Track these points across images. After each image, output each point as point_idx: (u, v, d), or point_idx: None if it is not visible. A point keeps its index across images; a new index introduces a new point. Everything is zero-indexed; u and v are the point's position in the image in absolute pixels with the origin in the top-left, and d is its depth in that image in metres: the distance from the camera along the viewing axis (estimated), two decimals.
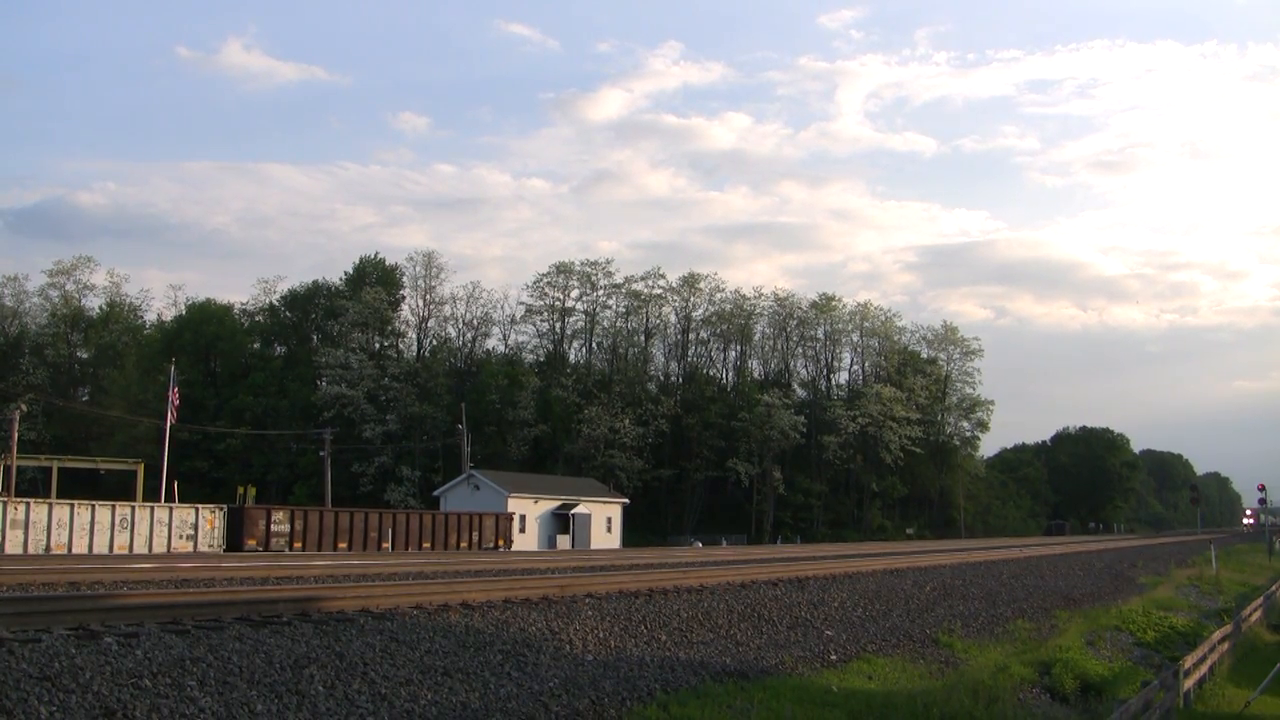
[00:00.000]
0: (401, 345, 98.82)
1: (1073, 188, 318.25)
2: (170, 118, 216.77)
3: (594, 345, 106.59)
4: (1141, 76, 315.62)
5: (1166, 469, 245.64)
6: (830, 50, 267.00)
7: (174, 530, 41.54)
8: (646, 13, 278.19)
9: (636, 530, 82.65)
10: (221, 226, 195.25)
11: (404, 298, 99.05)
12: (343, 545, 46.67)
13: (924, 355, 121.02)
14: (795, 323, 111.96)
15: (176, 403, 56.09)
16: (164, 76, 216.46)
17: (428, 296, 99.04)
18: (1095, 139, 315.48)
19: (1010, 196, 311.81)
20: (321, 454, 67.63)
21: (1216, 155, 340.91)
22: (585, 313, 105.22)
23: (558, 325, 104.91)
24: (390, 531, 49.74)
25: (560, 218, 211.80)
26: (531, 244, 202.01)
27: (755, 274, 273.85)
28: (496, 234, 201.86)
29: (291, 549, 44.28)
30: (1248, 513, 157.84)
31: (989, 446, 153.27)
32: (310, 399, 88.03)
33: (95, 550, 38.11)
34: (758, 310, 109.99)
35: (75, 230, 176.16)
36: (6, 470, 49.45)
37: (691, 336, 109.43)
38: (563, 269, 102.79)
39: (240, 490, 59.75)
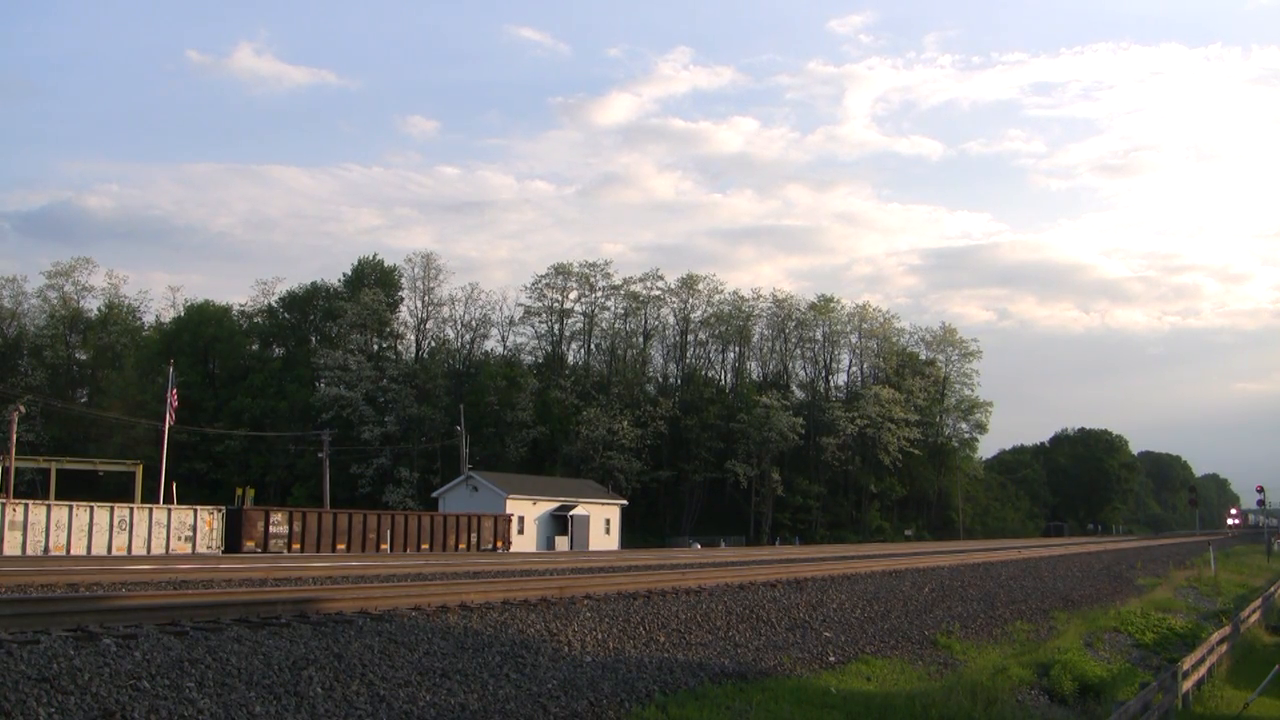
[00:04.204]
0: (400, 347, 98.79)
1: (1076, 190, 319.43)
2: (176, 120, 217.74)
3: (592, 347, 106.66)
4: (1146, 79, 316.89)
5: (1165, 470, 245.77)
6: (839, 54, 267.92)
7: (172, 532, 41.53)
8: (657, 18, 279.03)
9: (635, 531, 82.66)
10: (226, 229, 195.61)
11: (402, 299, 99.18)
12: (341, 546, 46.66)
13: (922, 357, 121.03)
14: (794, 324, 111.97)
15: (175, 404, 56.03)
16: (174, 80, 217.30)
17: (426, 298, 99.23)
18: (1099, 141, 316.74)
19: (1013, 199, 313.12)
20: (320, 455, 67.63)
21: (1221, 158, 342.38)
22: (584, 314, 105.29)
23: (556, 327, 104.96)
24: (389, 533, 49.73)
25: (564, 220, 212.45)
26: (536, 246, 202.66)
27: (759, 276, 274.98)
28: (501, 236, 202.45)
29: (290, 550, 44.26)
30: (1233, 512, 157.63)
31: (988, 448, 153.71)
32: (309, 400, 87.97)
33: (94, 551, 38.10)
34: (756, 312, 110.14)
35: (81, 233, 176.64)
36: (5, 472, 49.46)
37: (690, 338, 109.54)
38: (561, 270, 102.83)
39: (239, 492, 59.72)
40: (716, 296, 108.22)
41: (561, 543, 65.98)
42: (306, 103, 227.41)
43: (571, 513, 67.42)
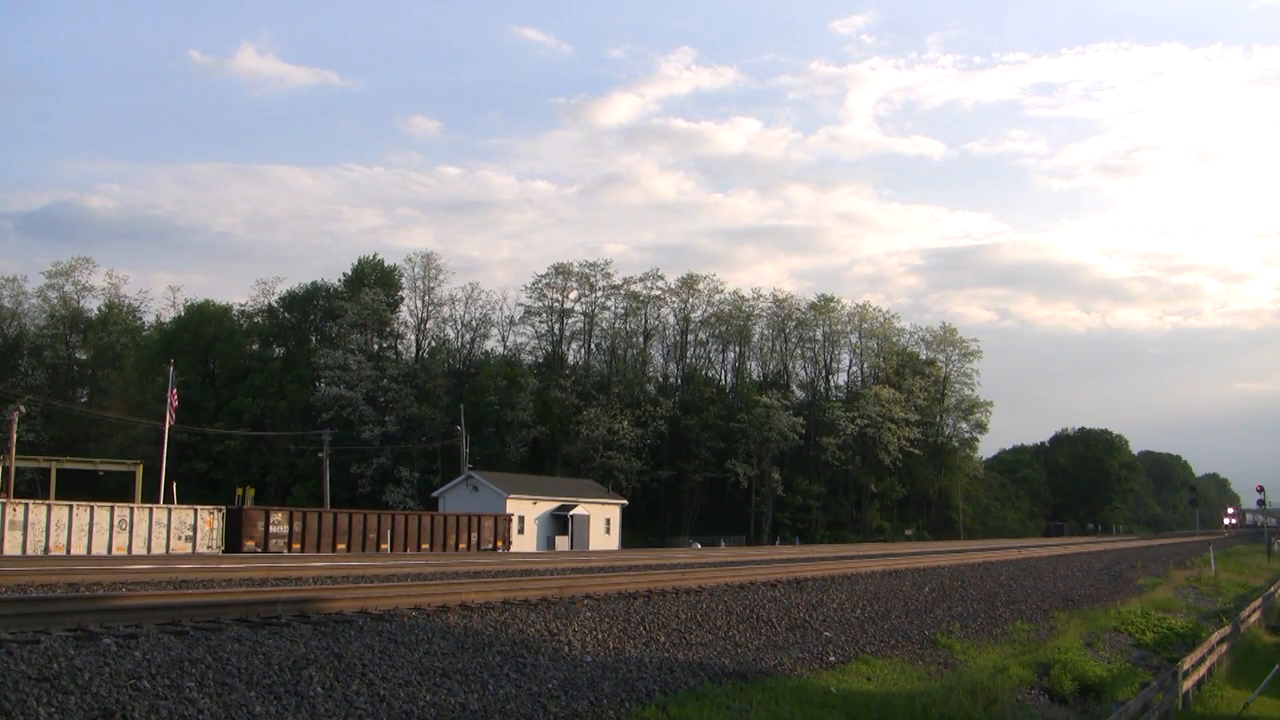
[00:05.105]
0: (400, 346, 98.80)
1: (1078, 190, 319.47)
2: (178, 120, 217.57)
3: (593, 346, 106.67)
4: (1147, 79, 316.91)
5: (1165, 470, 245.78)
6: (841, 55, 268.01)
7: (172, 531, 41.52)
8: (659, 18, 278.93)
9: (635, 531, 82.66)
10: (228, 229, 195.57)
11: (402, 299, 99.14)
12: (341, 546, 46.65)
13: (923, 356, 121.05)
14: (794, 324, 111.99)
15: (175, 404, 56.01)
16: (176, 80, 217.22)
17: (426, 298, 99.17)
18: (1100, 142, 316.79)
19: (1015, 199, 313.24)
20: (320, 455, 67.62)
21: (1222, 158, 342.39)
22: (584, 314, 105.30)
23: (556, 326, 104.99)
24: (389, 532, 49.71)
25: (566, 220, 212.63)
26: (537, 246, 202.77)
27: (760, 276, 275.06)
28: (502, 236, 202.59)
29: (290, 550, 44.26)
30: (1229, 511, 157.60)
31: (988, 448, 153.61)
32: (309, 400, 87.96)
33: (94, 551, 38.08)
34: (756, 311, 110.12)
35: (82, 233, 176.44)
36: (5, 471, 49.43)
37: (690, 338, 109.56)
38: (561, 270, 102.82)
39: (239, 491, 59.69)
40: (717, 296, 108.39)
41: (561, 543, 65.98)
42: (308, 103, 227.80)
43: (571, 513, 67.41)
